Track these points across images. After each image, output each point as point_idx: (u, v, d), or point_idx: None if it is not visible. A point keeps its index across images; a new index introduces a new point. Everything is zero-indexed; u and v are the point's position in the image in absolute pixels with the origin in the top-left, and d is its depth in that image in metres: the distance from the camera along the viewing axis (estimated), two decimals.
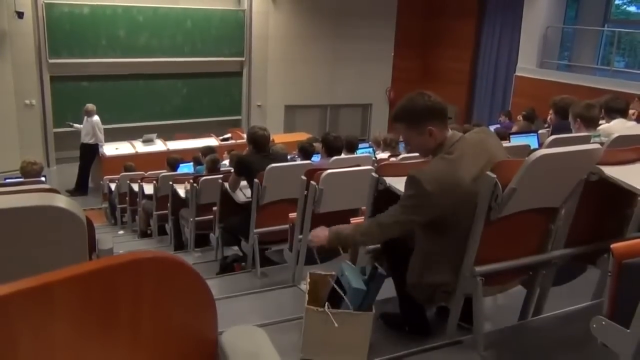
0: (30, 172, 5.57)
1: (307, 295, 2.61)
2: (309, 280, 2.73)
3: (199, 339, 1.06)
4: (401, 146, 6.84)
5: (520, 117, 9.05)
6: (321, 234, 2.58)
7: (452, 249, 2.37)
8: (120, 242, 7.39)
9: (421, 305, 2.65)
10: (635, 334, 1.73)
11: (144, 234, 8.00)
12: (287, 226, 3.92)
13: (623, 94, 7.31)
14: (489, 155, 2.32)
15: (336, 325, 2.44)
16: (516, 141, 5.66)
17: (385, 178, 2.84)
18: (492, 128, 8.71)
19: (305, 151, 5.85)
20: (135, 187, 8.24)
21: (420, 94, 2.37)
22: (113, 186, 9.48)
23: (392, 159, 4.94)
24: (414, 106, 2.36)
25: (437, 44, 15.18)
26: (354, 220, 3.21)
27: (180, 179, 6.90)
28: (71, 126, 11.37)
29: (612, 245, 1.79)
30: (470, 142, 2.35)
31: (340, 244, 2.61)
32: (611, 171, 2.40)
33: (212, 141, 11.77)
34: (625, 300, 1.77)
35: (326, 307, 2.49)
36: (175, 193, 6.60)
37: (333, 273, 2.67)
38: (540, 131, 6.41)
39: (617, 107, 4.59)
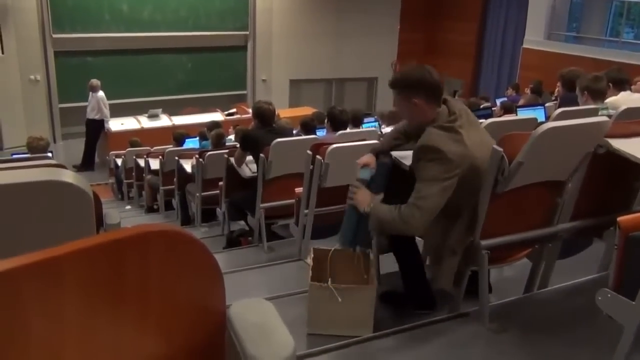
0: (36, 147, 5.58)
1: (310, 271, 2.62)
2: (312, 256, 2.74)
3: (208, 311, 1.07)
4: None
5: (527, 90, 8.97)
6: (363, 201, 2.47)
7: (467, 211, 2.40)
8: (127, 217, 7.43)
9: (425, 278, 2.67)
10: None
11: (151, 209, 8.03)
12: (293, 201, 3.93)
13: (631, 66, 7.24)
14: (480, 128, 2.47)
15: (340, 300, 2.46)
16: (523, 114, 5.63)
17: (390, 152, 2.83)
18: (498, 101, 8.66)
19: (307, 126, 5.83)
20: (142, 162, 8.26)
21: (420, 67, 2.41)
22: (119, 161, 9.50)
23: None
24: (408, 76, 2.41)
25: (443, 16, 15.00)
26: None
27: (186, 154, 6.91)
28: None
29: (618, 218, 1.79)
30: (464, 115, 2.39)
31: (379, 227, 2.48)
32: (619, 144, 2.39)
33: (217, 116, 11.75)
34: (631, 272, 1.78)
35: (329, 282, 2.50)
36: (181, 168, 6.62)
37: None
38: (547, 104, 6.36)
39: (625, 79, 4.57)
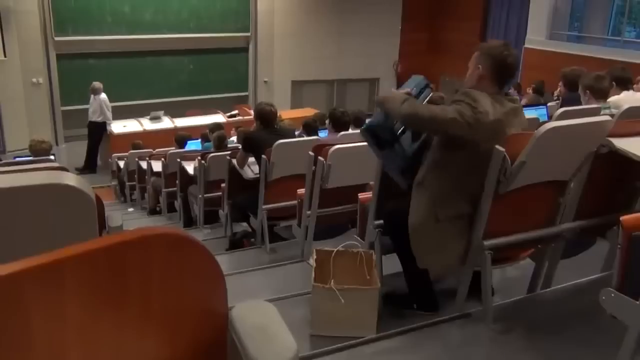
0: (39, 150, 5.59)
1: (313, 273, 2.62)
2: (315, 257, 2.74)
3: (210, 314, 1.07)
4: None
5: (529, 90, 8.96)
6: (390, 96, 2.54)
7: (463, 186, 2.41)
8: (130, 220, 7.44)
9: (429, 279, 2.67)
10: None
11: (154, 211, 8.04)
12: (295, 202, 3.93)
13: (634, 65, 7.21)
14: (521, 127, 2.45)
15: (342, 301, 2.45)
16: (525, 114, 5.60)
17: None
18: None
19: (309, 127, 5.84)
20: (144, 164, 8.26)
21: (506, 47, 2.47)
22: (122, 164, 9.51)
23: None
24: (491, 47, 2.50)
25: (444, 15, 14.98)
26: (362, 196, 3.21)
27: (188, 156, 6.91)
28: None
29: (621, 218, 1.79)
30: (520, 108, 2.52)
31: (383, 99, 2.53)
32: (621, 143, 2.38)
33: (219, 118, 11.75)
34: (635, 272, 1.77)
35: (331, 284, 2.50)
36: (183, 170, 6.62)
37: None
38: (549, 103, 6.34)
39: (629, 77, 4.56)
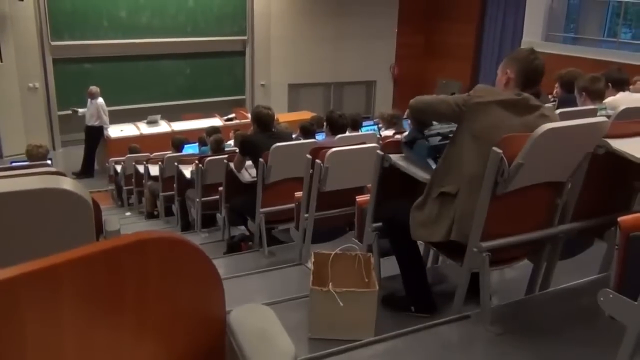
0: (36, 155, 5.59)
1: (311, 276, 2.62)
2: (313, 260, 2.73)
3: (207, 318, 1.07)
4: (405, 123, 6.79)
5: None
6: None
7: (457, 166, 2.43)
8: (127, 224, 7.42)
9: (427, 281, 2.67)
10: None
11: (151, 215, 8.03)
12: (293, 205, 3.93)
13: (630, 66, 7.23)
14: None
15: (341, 304, 2.45)
16: None
17: (390, 155, 2.83)
18: None
19: (306, 130, 5.85)
20: (141, 168, 8.25)
21: (531, 52, 2.52)
22: (119, 168, 9.50)
23: (397, 136, 4.91)
24: (517, 53, 2.60)
25: (440, 18, 15.00)
26: (360, 198, 3.21)
27: (185, 160, 6.91)
28: (76, 112, 11.35)
29: (619, 219, 1.79)
30: (530, 103, 2.48)
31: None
32: (618, 144, 2.39)
33: (216, 121, 11.75)
34: (633, 272, 1.77)
35: (330, 287, 2.50)
36: (181, 174, 6.61)
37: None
38: (546, 105, 6.34)
39: (625, 79, 4.57)
